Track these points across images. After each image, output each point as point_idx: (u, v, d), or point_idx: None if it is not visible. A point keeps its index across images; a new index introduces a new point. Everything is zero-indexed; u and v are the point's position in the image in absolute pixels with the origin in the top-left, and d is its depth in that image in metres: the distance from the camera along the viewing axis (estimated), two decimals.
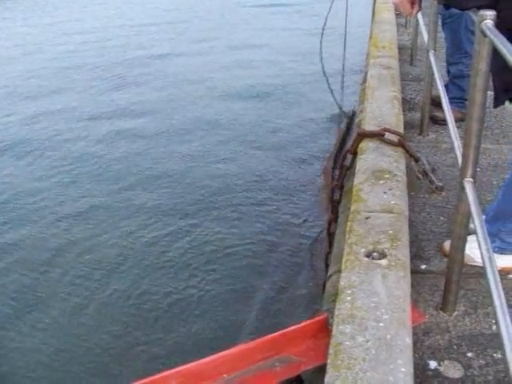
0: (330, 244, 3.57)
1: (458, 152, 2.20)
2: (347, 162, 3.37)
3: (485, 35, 1.70)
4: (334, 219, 3.49)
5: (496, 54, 1.78)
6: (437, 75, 3.17)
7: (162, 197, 7.15)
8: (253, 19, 17.95)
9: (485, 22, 1.71)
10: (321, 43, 9.25)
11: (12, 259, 6.41)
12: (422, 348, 2.04)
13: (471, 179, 1.90)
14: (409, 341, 1.74)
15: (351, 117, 7.13)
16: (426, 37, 3.97)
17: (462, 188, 1.91)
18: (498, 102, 2.22)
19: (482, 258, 1.59)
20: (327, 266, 3.52)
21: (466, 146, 1.88)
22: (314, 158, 7.73)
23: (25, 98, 11.33)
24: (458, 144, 2.26)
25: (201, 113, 9.92)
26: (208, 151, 8.36)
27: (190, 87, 11.37)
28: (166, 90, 11.35)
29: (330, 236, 3.57)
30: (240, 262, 5.48)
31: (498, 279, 1.56)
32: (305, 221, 6.16)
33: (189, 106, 10.27)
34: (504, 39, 1.54)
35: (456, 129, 2.51)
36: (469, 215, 2.00)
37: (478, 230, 1.66)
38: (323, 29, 9.00)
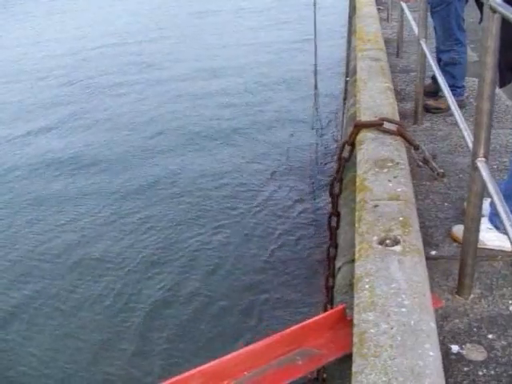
0: (331, 238, 3.54)
1: (466, 133, 2.18)
2: (345, 154, 3.34)
3: (494, 11, 1.68)
4: (334, 213, 3.46)
5: (503, 32, 1.76)
6: (432, 62, 3.16)
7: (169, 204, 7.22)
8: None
9: None
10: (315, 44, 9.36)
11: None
12: (442, 333, 2.01)
13: (484, 159, 1.88)
14: (433, 325, 1.71)
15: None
16: (414, 27, 3.97)
17: (475, 168, 1.89)
18: (503, 82, 2.21)
19: (508, 232, 1.56)
20: (329, 259, 3.49)
21: (477, 125, 1.86)
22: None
23: None
24: (464, 126, 2.24)
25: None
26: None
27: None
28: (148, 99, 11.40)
29: (331, 230, 3.54)
30: (237, 262, 5.48)
31: None
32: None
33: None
34: None
35: (460, 111, 2.50)
36: (482, 196, 1.99)
37: (499, 207, 1.64)
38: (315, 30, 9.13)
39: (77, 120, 10.55)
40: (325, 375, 3.31)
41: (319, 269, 4.62)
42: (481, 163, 1.87)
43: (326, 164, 8.05)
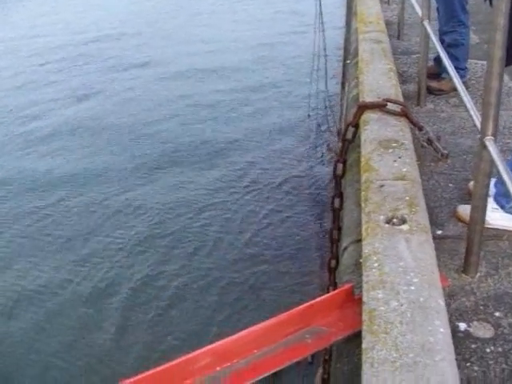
0: (334, 219, 3.54)
1: (473, 112, 2.17)
2: (349, 136, 3.34)
3: None
4: (337, 194, 3.46)
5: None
6: (436, 42, 3.15)
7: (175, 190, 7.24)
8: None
9: None
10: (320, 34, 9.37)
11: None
12: (449, 311, 2.02)
13: (492, 137, 1.88)
14: (442, 302, 1.72)
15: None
16: (417, 8, 3.95)
17: (484, 147, 1.89)
18: (509, 62, 2.19)
19: None
20: (333, 241, 3.50)
21: (485, 103, 1.86)
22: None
23: None
24: (471, 105, 2.24)
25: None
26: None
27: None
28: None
29: (334, 211, 3.55)
30: (242, 248, 5.51)
31: None
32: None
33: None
34: None
35: (466, 90, 2.49)
36: (489, 175, 1.99)
37: (509, 185, 1.65)
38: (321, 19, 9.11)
39: (66, 121, 10.49)
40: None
41: (322, 250, 4.64)
42: (489, 142, 1.87)
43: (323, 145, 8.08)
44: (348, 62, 6.54)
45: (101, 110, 10.39)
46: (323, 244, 5.35)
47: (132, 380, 1.73)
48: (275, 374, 1.83)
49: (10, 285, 5.96)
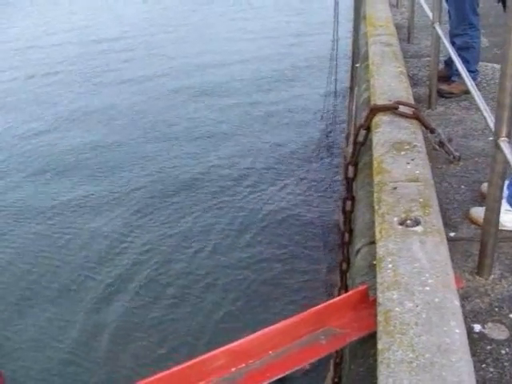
0: (346, 222, 3.54)
1: (486, 113, 2.17)
2: (360, 138, 3.34)
3: None
4: (349, 197, 3.46)
5: None
6: (447, 44, 3.15)
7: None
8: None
9: None
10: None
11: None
12: (463, 312, 2.01)
13: (506, 138, 1.88)
14: (457, 303, 1.72)
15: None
16: (428, 11, 3.95)
17: (498, 148, 1.89)
18: None
19: None
20: (343, 244, 3.50)
21: (499, 104, 1.86)
22: None
23: None
24: (484, 107, 2.24)
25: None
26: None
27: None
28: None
29: (346, 214, 3.54)
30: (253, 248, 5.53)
31: None
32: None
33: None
34: None
35: (479, 92, 2.49)
36: (504, 176, 1.99)
37: None
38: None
39: (73, 115, 10.51)
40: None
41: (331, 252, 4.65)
42: (503, 143, 1.87)
43: (333, 148, 8.08)
44: (357, 65, 6.55)
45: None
46: (332, 246, 5.36)
47: (147, 381, 1.74)
48: (283, 379, 1.83)
49: (14, 286, 5.99)
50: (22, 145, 9.56)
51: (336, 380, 3.64)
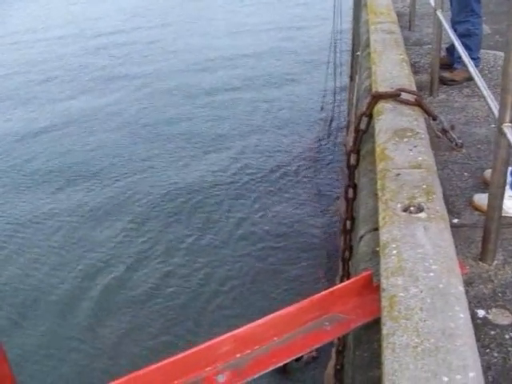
0: (348, 209, 3.55)
1: (490, 100, 2.17)
2: (362, 126, 3.33)
3: None
4: (351, 184, 3.46)
5: None
6: (450, 31, 3.14)
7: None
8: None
9: None
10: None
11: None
12: (468, 298, 2.02)
13: (510, 124, 1.88)
14: (462, 288, 1.72)
15: None
16: None
17: (502, 134, 1.89)
18: None
19: None
20: (345, 232, 3.51)
21: (503, 90, 1.86)
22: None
23: None
24: (487, 93, 2.24)
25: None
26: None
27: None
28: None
29: (348, 202, 3.55)
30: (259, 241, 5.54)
31: None
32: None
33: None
34: None
35: (482, 78, 2.49)
36: (508, 162, 1.99)
37: None
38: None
39: (69, 114, 10.45)
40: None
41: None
42: (507, 128, 1.87)
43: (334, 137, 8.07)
44: (358, 53, 6.53)
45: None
46: (332, 233, 5.37)
47: (154, 367, 1.75)
48: (285, 366, 1.84)
49: (16, 286, 6.00)
50: (16, 147, 9.54)
51: (338, 367, 3.66)
